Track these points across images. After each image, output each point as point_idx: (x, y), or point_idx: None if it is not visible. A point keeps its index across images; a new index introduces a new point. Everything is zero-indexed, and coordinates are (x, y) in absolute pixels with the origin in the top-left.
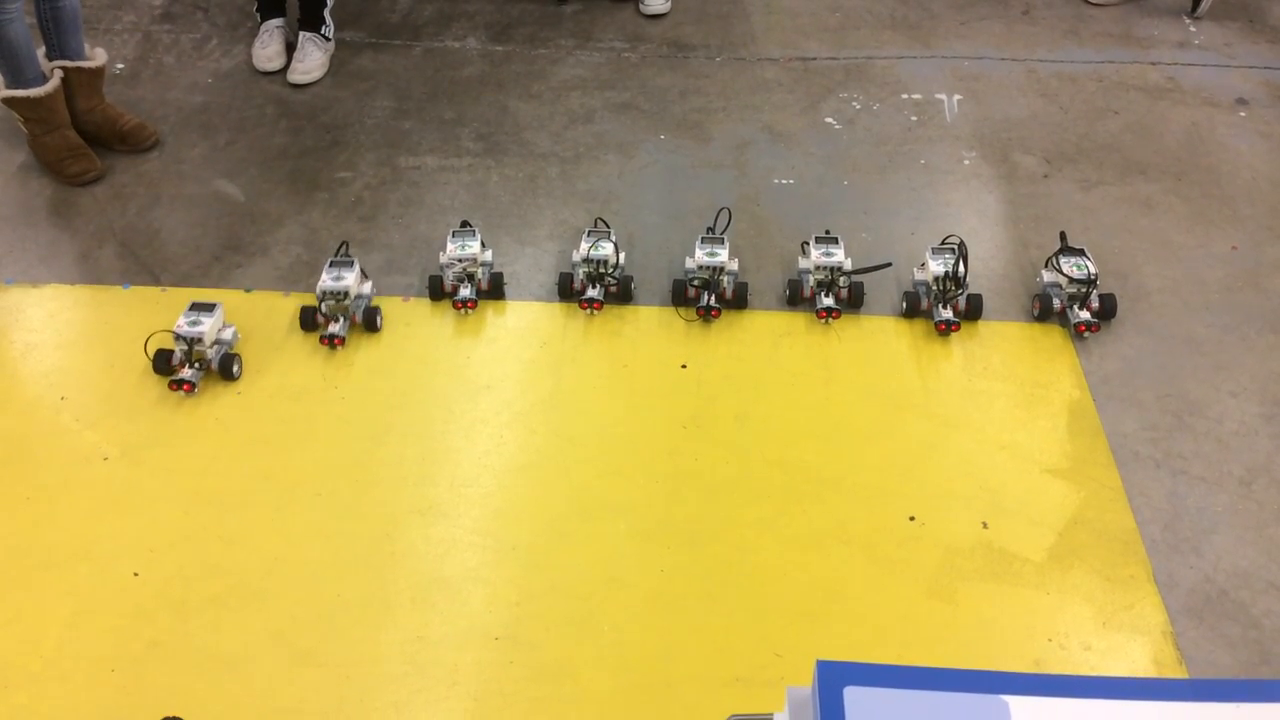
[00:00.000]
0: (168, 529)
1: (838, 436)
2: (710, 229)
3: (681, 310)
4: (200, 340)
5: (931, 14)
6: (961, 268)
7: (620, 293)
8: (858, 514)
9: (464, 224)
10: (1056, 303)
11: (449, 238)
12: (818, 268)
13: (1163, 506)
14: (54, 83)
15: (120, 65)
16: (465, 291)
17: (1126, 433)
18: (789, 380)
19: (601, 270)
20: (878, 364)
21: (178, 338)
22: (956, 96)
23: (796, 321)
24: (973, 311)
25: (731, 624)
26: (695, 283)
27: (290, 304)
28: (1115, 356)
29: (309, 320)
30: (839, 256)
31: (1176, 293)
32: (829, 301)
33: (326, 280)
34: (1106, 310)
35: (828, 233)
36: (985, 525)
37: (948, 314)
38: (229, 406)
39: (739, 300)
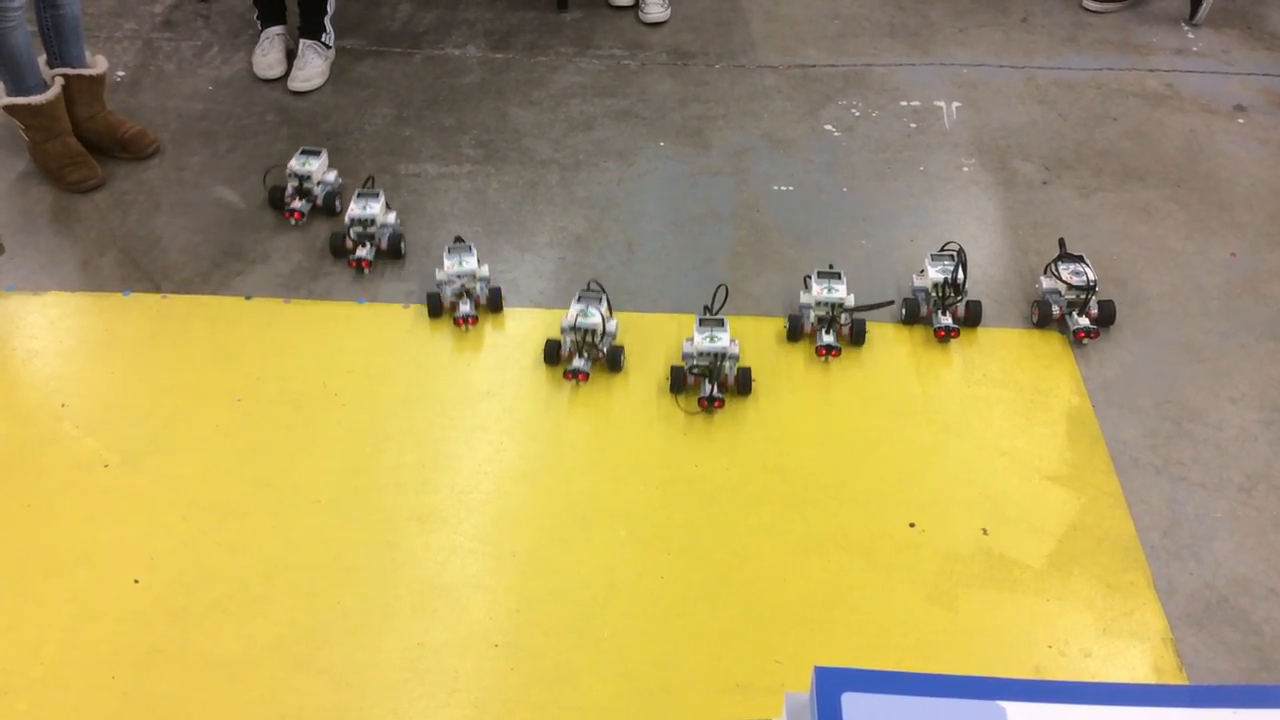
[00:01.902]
0: (168, 535)
1: (837, 443)
2: (707, 308)
3: (681, 399)
4: (309, 177)
5: (930, 21)
6: (961, 274)
7: (609, 363)
8: (857, 520)
9: (458, 239)
10: (1056, 309)
11: (445, 254)
12: (819, 303)
13: (1162, 513)
14: (55, 90)
15: (121, 73)
16: (465, 308)
17: (1126, 439)
18: (788, 387)
19: (589, 339)
20: (877, 370)
21: (290, 174)
22: (955, 103)
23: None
24: (972, 318)
25: (731, 630)
26: (695, 370)
27: (291, 310)
28: (1114, 363)
29: (338, 246)
30: (841, 292)
31: (1175, 299)
32: (829, 339)
33: (355, 209)
34: (1105, 317)
35: (831, 267)
36: (985, 532)
37: (947, 320)
38: (228, 413)
39: (743, 387)
